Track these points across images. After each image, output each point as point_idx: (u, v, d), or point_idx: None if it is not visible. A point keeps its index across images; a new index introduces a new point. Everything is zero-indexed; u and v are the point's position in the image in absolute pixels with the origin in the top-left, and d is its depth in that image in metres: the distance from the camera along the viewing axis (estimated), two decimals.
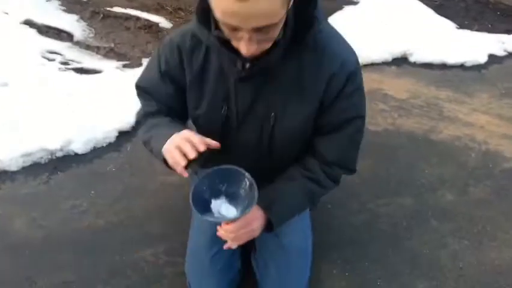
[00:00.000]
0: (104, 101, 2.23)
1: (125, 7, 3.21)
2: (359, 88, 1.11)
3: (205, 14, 0.97)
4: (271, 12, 0.83)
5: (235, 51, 0.95)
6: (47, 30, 2.89)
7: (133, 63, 2.65)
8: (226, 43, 0.96)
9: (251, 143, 1.16)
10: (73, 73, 2.50)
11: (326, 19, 1.05)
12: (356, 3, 3.46)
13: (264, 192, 1.09)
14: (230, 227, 1.07)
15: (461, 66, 2.83)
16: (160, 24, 3.06)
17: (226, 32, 0.90)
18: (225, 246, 1.16)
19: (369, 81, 2.54)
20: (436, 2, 3.60)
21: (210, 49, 1.07)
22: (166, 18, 3.15)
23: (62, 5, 3.18)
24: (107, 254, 1.59)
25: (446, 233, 1.75)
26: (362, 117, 1.15)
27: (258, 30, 0.86)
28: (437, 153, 2.14)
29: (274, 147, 1.15)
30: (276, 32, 0.91)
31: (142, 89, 1.23)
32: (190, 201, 0.98)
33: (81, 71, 2.54)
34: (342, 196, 1.87)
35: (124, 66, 2.62)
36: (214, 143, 1.00)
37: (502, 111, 2.47)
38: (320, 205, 1.78)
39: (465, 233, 1.76)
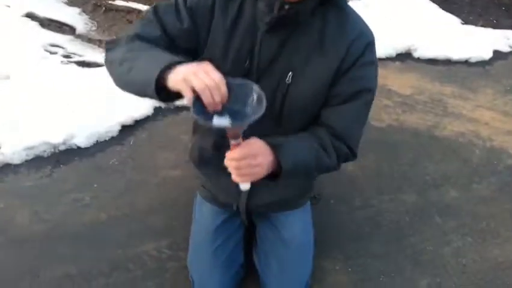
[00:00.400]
0: (107, 94, 2.22)
1: (127, 0, 3.20)
2: (374, 62, 1.13)
3: None
4: None
5: None
6: (49, 23, 2.88)
7: None
8: None
9: None
10: (75, 66, 2.49)
11: None
12: None
13: (273, 137, 1.06)
14: (233, 153, 0.97)
15: (466, 62, 2.82)
16: None
17: None
18: (233, 177, 1.02)
19: None
20: None
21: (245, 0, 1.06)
22: None
23: None
24: (110, 247, 1.59)
25: (450, 230, 1.75)
26: (372, 91, 1.14)
27: None
28: (441, 150, 2.13)
29: (284, 114, 1.13)
30: None
31: (155, 12, 1.09)
32: (191, 110, 0.87)
33: (83, 64, 2.53)
34: (345, 192, 1.86)
35: None
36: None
37: (506, 107, 2.45)
38: (322, 201, 1.79)
39: (468, 229, 1.75)
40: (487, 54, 2.87)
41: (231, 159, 0.97)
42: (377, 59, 1.15)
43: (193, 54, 1.10)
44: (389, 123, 2.27)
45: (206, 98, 0.86)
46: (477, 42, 2.98)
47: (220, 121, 0.91)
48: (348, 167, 1.96)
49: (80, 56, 2.61)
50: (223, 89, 0.88)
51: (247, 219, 1.42)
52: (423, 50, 2.84)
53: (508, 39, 3.06)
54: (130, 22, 2.97)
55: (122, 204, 1.75)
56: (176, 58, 0.93)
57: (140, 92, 0.98)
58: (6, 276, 1.48)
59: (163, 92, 0.91)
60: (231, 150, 0.97)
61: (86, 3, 3.14)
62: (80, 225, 1.66)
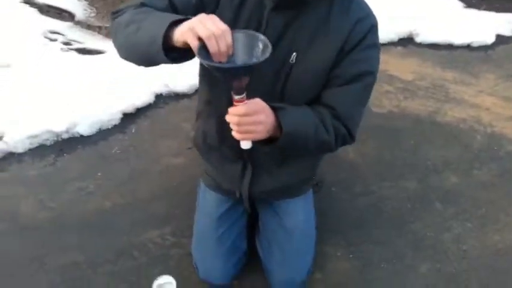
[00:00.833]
0: (108, 82, 2.22)
1: None
2: (377, 44, 1.13)
3: None
4: None
5: None
6: (47, 10, 2.86)
7: None
8: None
9: (265, 86, 1.11)
10: (75, 54, 2.48)
11: None
12: None
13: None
14: (236, 108, 0.96)
15: (468, 47, 2.80)
16: None
17: None
18: (233, 133, 1.01)
19: None
20: None
21: None
22: None
23: None
24: (114, 235, 1.61)
25: (450, 216, 1.76)
26: (373, 74, 1.14)
27: None
28: (442, 136, 2.13)
29: (285, 94, 1.13)
30: None
31: None
32: (197, 55, 0.87)
33: (84, 51, 2.52)
34: (347, 178, 1.88)
35: None
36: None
37: (508, 93, 2.45)
38: (324, 188, 1.80)
39: (469, 215, 1.77)
40: (490, 39, 2.85)
41: (234, 114, 0.96)
42: (379, 43, 1.15)
43: None
44: (390, 109, 2.26)
45: (212, 47, 0.85)
46: (479, 26, 2.96)
47: (226, 65, 0.90)
48: (350, 154, 1.97)
49: (80, 43, 2.60)
50: (229, 38, 0.87)
51: (250, 207, 1.44)
52: (425, 35, 2.82)
53: (511, 23, 3.03)
54: None
55: (126, 192, 1.76)
56: (183, 16, 0.92)
57: (145, 54, 0.96)
58: (13, 264, 1.51)
59: (170, 54, 0.91)
60: (234, 106, 0.96)
61: None
62: (85, 213, 1.68)
